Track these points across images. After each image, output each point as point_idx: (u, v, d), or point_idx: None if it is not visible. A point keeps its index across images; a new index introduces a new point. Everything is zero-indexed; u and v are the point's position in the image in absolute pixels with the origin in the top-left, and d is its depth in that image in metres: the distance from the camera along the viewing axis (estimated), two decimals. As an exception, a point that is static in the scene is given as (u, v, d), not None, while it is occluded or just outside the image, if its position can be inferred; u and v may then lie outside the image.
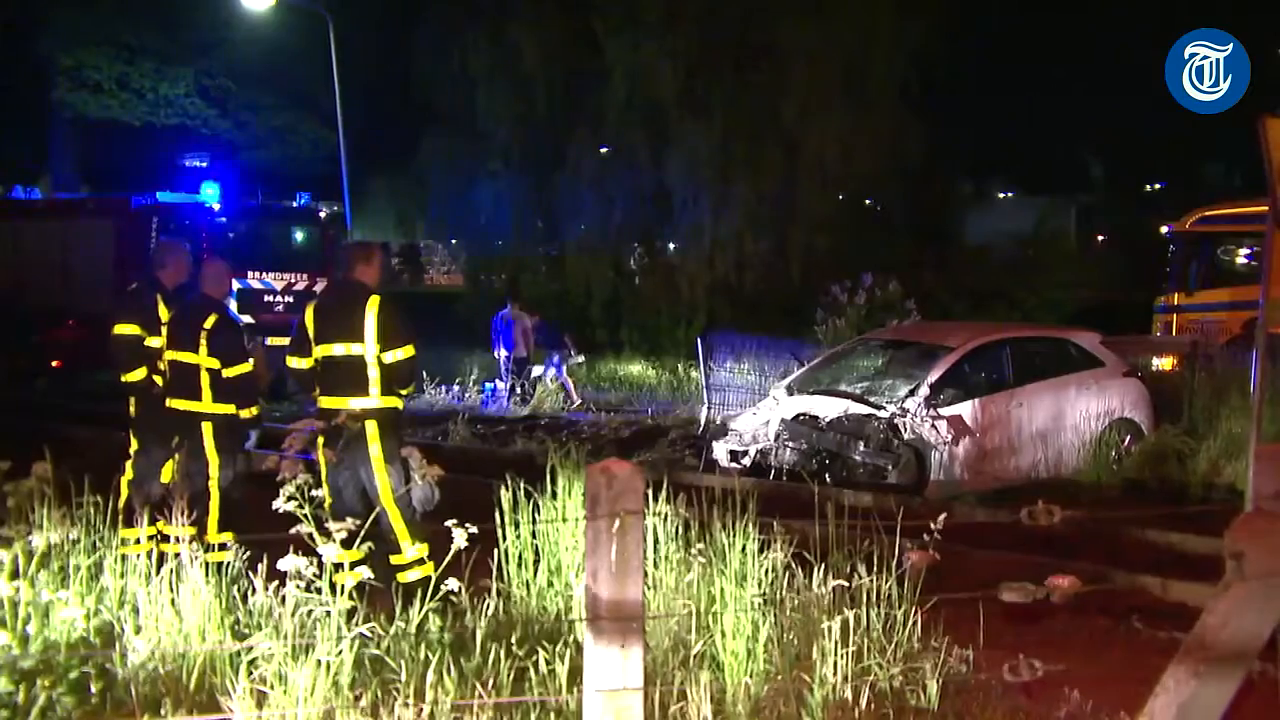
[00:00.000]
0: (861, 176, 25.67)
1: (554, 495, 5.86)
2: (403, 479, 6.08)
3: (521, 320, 18.43)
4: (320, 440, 6.09)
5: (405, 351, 6.13)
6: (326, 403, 6.17)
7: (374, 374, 6.08)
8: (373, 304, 6.12)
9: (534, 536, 5.49)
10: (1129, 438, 11.13)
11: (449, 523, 4.82)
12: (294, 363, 6.33)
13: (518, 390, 17.65)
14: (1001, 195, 48.62)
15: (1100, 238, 42.82)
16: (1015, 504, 6.06)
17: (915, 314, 19.93)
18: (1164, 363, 14.06)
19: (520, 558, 5.45)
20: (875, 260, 21.71)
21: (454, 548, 4.73)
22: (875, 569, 4.95)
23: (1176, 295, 17.37)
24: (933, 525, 4.96)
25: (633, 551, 3.57)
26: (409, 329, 6.25)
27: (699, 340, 15.37)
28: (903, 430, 9.87)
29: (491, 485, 5.84)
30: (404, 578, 5.86)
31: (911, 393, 10.21)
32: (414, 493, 6.10)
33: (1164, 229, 19.21)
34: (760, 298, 25.28)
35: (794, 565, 5.12)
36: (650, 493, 5.13)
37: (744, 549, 5.07)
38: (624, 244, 26.97)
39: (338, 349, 6.13)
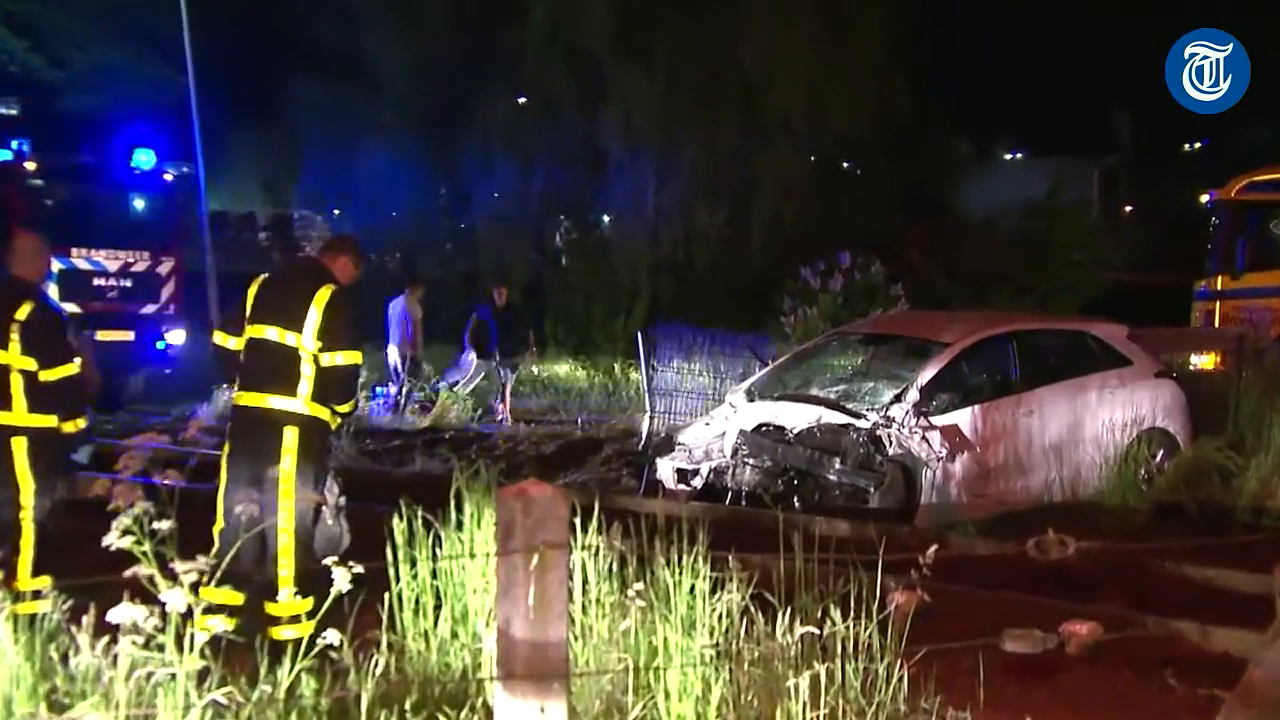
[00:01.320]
0: (837, 134, 25.91)
1: (459, 526, 5.83)
2: (311, 510, 6.13)
3: (415, 311, 18.33)
4: (225, 449, 6.17)
5: (347, 357, 6.23)
6: (242, 398, 6.25)
7: (307, 372, 6.18)
8: (324, 292, 6.22)
9: (434, 577, 5.46)
10: (1161, 452, 11.31)
11: (328, 560, 4.77)
12: (220, 339, 6.41)
13: (416, 396, 17.56)
14: (1008, 157, 49.31)
15: (1128, 208, 43.58)
16: (1023, 533, 6.15)
17: (903, 301, 20.17)
18: (1204, 360, 14.32)
19: (417, 603, 5.41)
20: (854, 236, 21.96)
21: (334, 591, 4.69)
22: (853, 613, 4.98)
23: (1220, 278, 17.65)
24: (922, 559, 5.01)
25: (555, 593, 3.56)
26: (357, 333, 6.34)
27: (639, 334, 15.39)
28: (887, 443, 9.96)
29: (383, 514, 5.79)
30: (277, 633, 5.85)
31: (898, 398, 10.30)
32: (320, 530, 6.12)
33: (1205, 198, 19.56)
34: (714, 281, 25.40)
35: (754, 609, 5.13)
36: (578, 521, 5.11)
37: (693, 590, 5.08)
38: (547, 216, 27.00)
39: (270, 332, 6.22)
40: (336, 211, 32.54)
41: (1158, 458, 11.23)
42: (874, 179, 28.98)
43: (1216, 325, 16.77)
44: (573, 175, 26.18)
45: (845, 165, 30.80)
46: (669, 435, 11.54)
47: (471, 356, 18.38)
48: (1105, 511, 10.34)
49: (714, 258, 25.71)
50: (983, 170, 40.17)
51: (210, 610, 4.80)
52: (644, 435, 13.75)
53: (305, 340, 6.17)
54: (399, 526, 5.53)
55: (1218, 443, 11.06)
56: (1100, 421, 10.94)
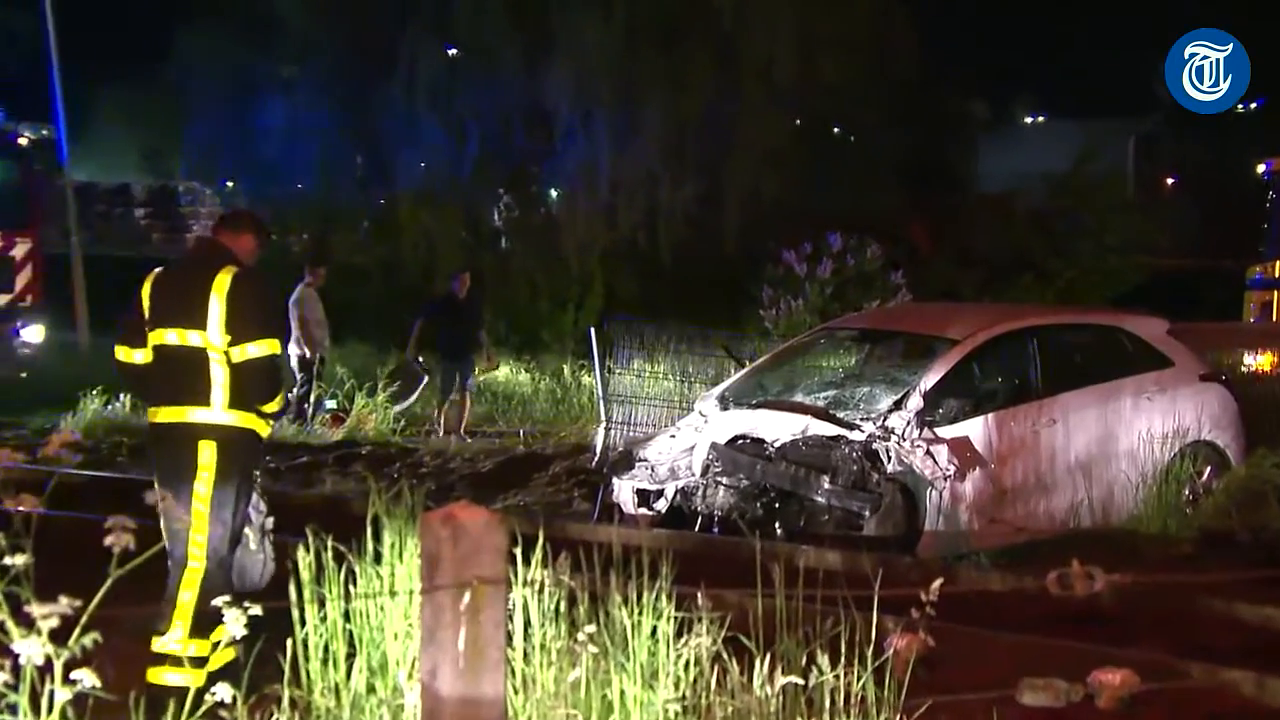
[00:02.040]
0: (828, 92, 25.99)
1: (377, 558, 5.81)
2: (229, 537, 6.22)
3: (317, 304, 18.21)
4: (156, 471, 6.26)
5: (260, 346, 6.28)
6: (156, 414, 6.33)
7: (219, 375, 6.24)
8: (224, 275, 6.27)
9: (347, 619, 5.44)
10: (1209, 469, 11.41)
11: (218, 600, 4.75)
12: (123, 355, 6.48)
13: (326, 404, 17.49)
14: (1029, 120, 49.60)
15: (1169, 180, 43.86)
16: (1044, 565, 6.18)
17: (903, 292, 20.28)
18: (1260, 360, 14.44)
19: (327, 650, 5.39)
20: (847, 214, 22.04)
21: (226, 637, 4.67)
22: (844, 660, 5.00)
23: (1278, 263, 17.78)
24: (926, 596, 5.03)
25: (490, 638, 3.56)
26: (272, 317, 6.47)
27: (593, 331, 15.38)
28: (885, 459, 10.00)
29: (286, 544, 5.77)
30: (156, 675, 5.88)
31: (897, 405, 10.34)
32: (241, 558, 6.23)
33: (1261, 167, 19.73)
34: (682, 269, 25.45)
35: (727, 655, 5.15)
36: (518, 552, 5.11)
37: (655, 633, 5.09)
38: (484, 189, 26.96)
39: (170, 336, 6.29)
40: (229, 184, 32.41)
41: (1204, 476, 11.31)
42: (871, 146, 29.12)
43: (1274, 319, 16.91)
44: (513, 141, 26.17)
45: (837, 130, 30.91)
46: (628, 450, 11.54)
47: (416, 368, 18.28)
48: (1142, 540, 10.41)
49: (681, 240, 25.77)
50: (999, 136, 40.46)
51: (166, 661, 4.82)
52: (598, 450, 13.73)
53: (211, 337, 6.23)
54: (304, 559, 5.51)
55: (1276, 458, 11.14)
56: (1136, 433, 11.02)
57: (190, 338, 6.25)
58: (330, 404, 17.64)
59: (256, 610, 4.53)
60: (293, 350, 17.78)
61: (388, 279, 25.65)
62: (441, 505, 3.83)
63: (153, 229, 40.13)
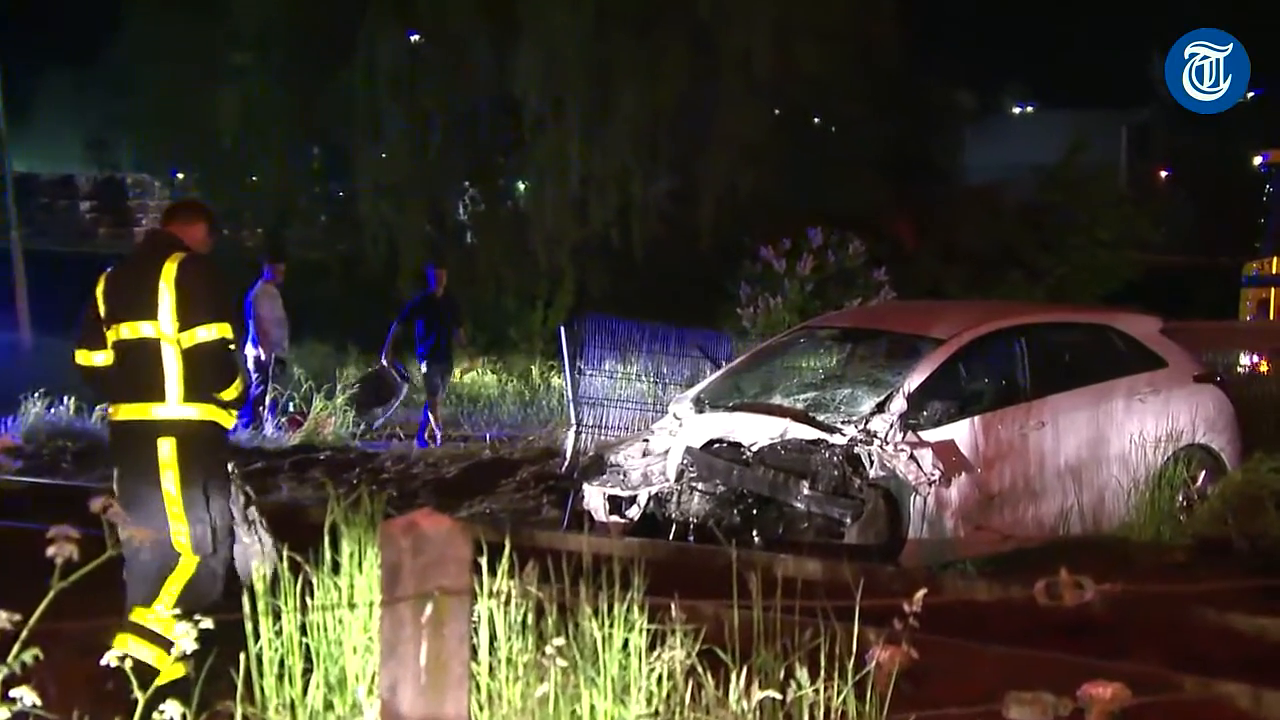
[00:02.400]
0: (808, 82, 26.04)
1: (335, 569, 5.80)
2: (210, 532, 6.31)
3: (279, 299, 18.14)
4: (116, 472, 6.35)
5: (211, 330, 6.35)
6: (117, 412, 6.42)
7: (173, 366, 6.32)
8: (170, 264, 6.34)
9: (304, 632, 5.42)
10: (1204, 474, 11.44)
11: (169, 612, 4.74)
12: (83, 359, 6.56)
13: (277, 406, 17.42)
14: (1017, 110, 49.75)
15: (1163, 173, 44.07)
16: (1032, 574, 6.20)
17: (887, 289, 20.32)
18: (1256, 360, 14.51)
19: (282, 665, 5.38)
20: (828, 208, 22.06)
21: (176, 650, 4.65)
22: (823, 673, 5.01)
23: (1276, 259, 17.88)
24: (909, 606, 5.04)
25: (453, 652, 3.55)
26: (223, 301, 6.50)
27: (563, 330, 15.38)
28: (867, 464, 10.01)
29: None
30: (123, 643, 5.98)
31: (880, 408, 10.36)
32: (238, 551, 6.34)
33: (1258, 159, 19.86)
34: (656, 265, 25.46)
35: (702, 669, 5.15)
36: (484, 561, 5.11)
37: (626, 646, 5.09)
38: (448, 182, 26.93)
39: (124, 330, 6.37)
40: (179, 175, 32.25)
41: (1199, 481, 11.35)
42: (853, 138, 29.15)
43: (1271, 317, 16.99)
44: (479, 132, 26.14)
45: (817, 121, 30.94)
46: (599, 454, 11.54)
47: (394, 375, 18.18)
48: (1134, 547, 10.45)
49: (656, 235, 25.78)
50: (986, 127, 40.54)
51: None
52: (568, 454, 13.72)
53: (163, 326, 6.30)
54: (259, 569, 5.49)
55: (1273, 462, 11.19)
56: (1128, 436, 11.07)
57: (143, 329, 6.32)
58: (287, 406, 17.59)
59: (207, 624, 4.51)
60: (249, 351, 17.71)
61: (347, 276, 25.61)
62: (403, 513, 3.81)
63: (99, 223, 39.95)
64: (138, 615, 6.14)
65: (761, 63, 25.13)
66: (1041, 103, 49.32)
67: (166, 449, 6.24)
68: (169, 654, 5.66)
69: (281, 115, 26.15)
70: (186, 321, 6.30)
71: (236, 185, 27.28)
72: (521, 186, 27.81)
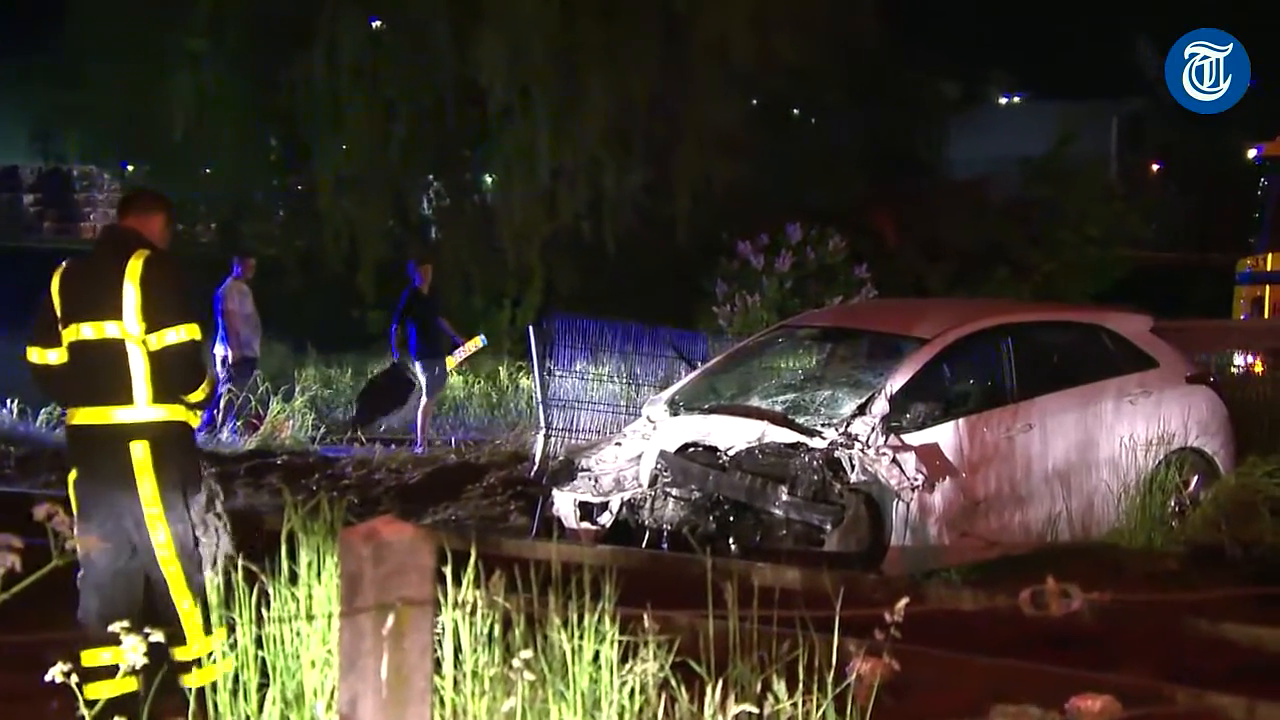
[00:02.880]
0: (786, 71, 26.04)
1: (293, 579, 5.79)
2: (191, 532, 6.35)
3: (249, 296, 18.09)
4: (71, 477, 6.36)
5: (180, 332, 6.38)
6: (76, 415, 6.41)
7: (139, 368, 6.34)
8: (136, 261, 6.36)
9: (260, 645, 5.41)
10: (1196, 478, 11.50)
11: (115, 626, 4.72)
12: (36, 356, 6.55)
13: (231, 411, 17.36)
14: (1004, 101, 49.91)
15: (1155, 166, 44.26)
16: (1019, 582, 6.22)
17: (868, 287, 20.38)
18: (1251, 361, 14.58)
19: (237, 679, 5.37)
20: (807, 203, 22.11)
21: (124, 664, 4.63)
22: (802, 686, 5.02)
23: (1270, 256, 17.96)
24: (891, 616, 5.05)
25: (415, 665, 3.55)
26: (190, 301, 6.53)
27: (531, 329, 15.39)
28: (848, 468, 10.03)
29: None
30: (194, 679, 5.97)
31: (861, 410, 10.37)
32: (210, 549, 6.37)
33: (1251, 152, 19.99)
34: (630, 261, 25.47)
35: (676, 681, 5.15)
36: (448, 570, 5.11)
37: (597, 658, 5.09)
38: (412, 175, 26.87)
39: (86, 330, 6.37)
40: (130, 168, 32.11)
41: (1191, 486, 11.41)
42: (833, 130, 29.23)
43: (1266, 316, 17.07)
44: (444, 123, 26.04)
45: (796, 112, 30.98)
46: (569, 459, 11.54)
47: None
48: (1124, 555, 10.50)
49: (628, 231, 25.76)
50: (971, 118, 40.64)
51: (90, 676, 5.03)
52: (537, 459, 13.73)
53: (129, 326, 6.32)
54: (212, 581, 5.48)
55: (1268, 466, 11.24)
56: (1118, 439, 11.10)
57: (107, 329, 6.33)
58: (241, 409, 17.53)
59: (158, 637, 4.50)
60: (217, 350, 17.67)
61: (306, 272, 25.52)
62: (364, 520, 3.81)
63: (44, 216, 39.79)
64: (183, 654, 6.14)
65: (738, 51, 25.10)
66: (1029, 93, 49.49)
67: (140, 452, 6.26)
68: (214, 665, 5.73)
69: (237, 105, 26.03)
70: (155, 322, 6.32)
71: (189, 178, 27.12)
72: (488, 180, 27.77)
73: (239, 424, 17.19)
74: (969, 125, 39.65)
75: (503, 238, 25.55)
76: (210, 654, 6.05)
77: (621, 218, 25.67)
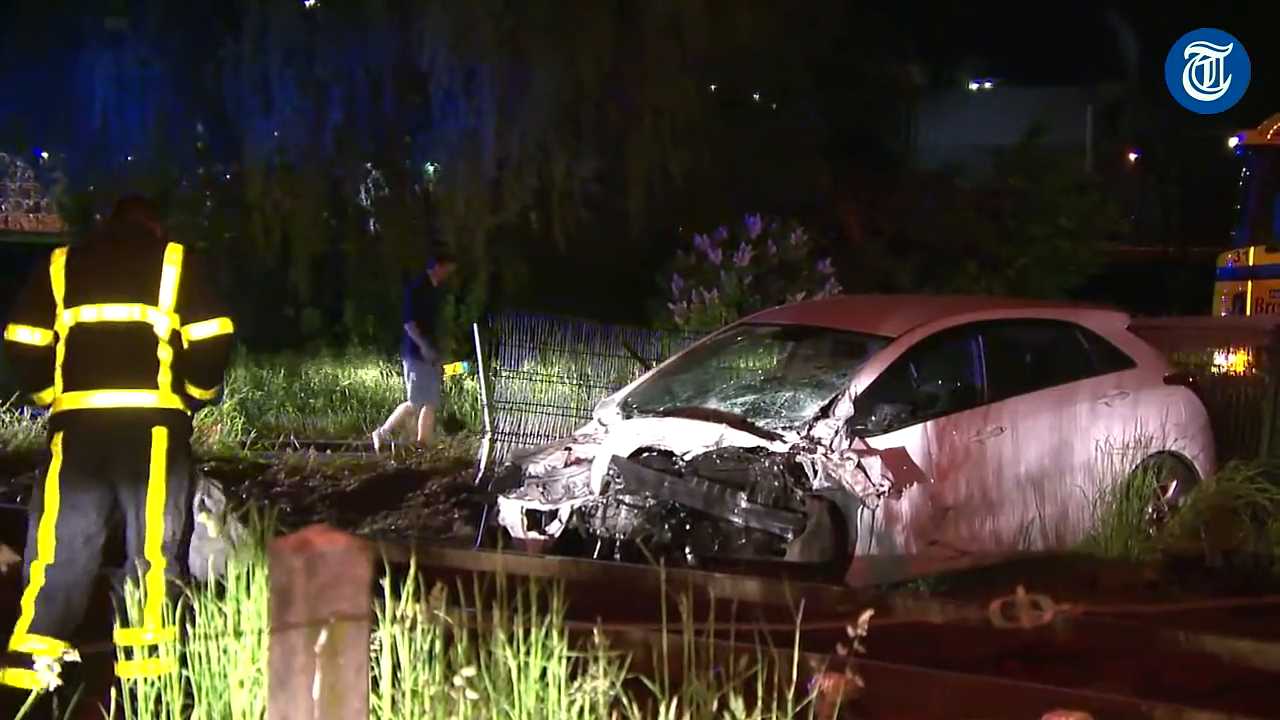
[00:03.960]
0: (745, 54, 26.07)
1: (221, 592, 5.77)
2: (180, 524, 6.53)
3: None
4: (58, 452, 6.46)
5: (222, 325, 6.72)
6: (81, 397, 6.52)
7: (165, 356, 6.57)
8: (175, 251, 6.67)
9: (184, 664, 5.39)
10: (1175, 483, 11.58)
11: (30, 645, 4.69)
12: (21, 334, 6.70)
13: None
14: (974, 87, 50.12)
15: (1133, 155, 44.54)
16: (989, 594, 6.24)
17: (833, 283, 20.42)
18: (1232, 360, 14.67)
19: (159, 700, 5.34)
20: (768, 194, 22.13)
21: (37, 687, 4.61)
22: (760, 704, 5.02)
23: (1252, 250, 18.05)
24: (854, 630, 5.06)
25: (351, 684, 3.54)
26: (222, 295, 6.93)
27: (476, 327, 15.35)
28: (811, 474, 10.05)
29: (109, 575, 5.71)
30: (129, 669, 6.00)
31: (825, 412, 10.40)
32: (204, 551, 6.58)
33: (1233, 141, 20.15)
34: (580, 255, 25.46)
35: (628, 700, 5.15)
36: (387, 583, 5.09)
37: (544, 675, 5.08)
38: (349, 162, 26.77)
39: (115, 311, 6.57)
40: (44, 155, 31.89)
41: (1169, 492, 11.48)
42: (795, 116, 29.26)
43: (1248, 313, 17.16)
44: (383, 108, 25.96)
45: (757, 98, 31.02)
46: (516, 465, 11.51)
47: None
48: (1100, 564, 10.55)
49: (579, 223, 25.74)
50: (940, 104, 40.82)
51: (15, 661, 5.18)
52: (482, 465, 13.71)
53: (161, 312, 6.58)
54: (133, 594, 5.45)
55: (1249, 470, 11.31)
56: (1093, 443, 11.16)
57: (142, 313, 6.57)
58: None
59: (74, 656, 4.48)
60: None
61: (236, 266, 25.38)
62: (296, 530, 3.79)
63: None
64: (130, 639, 6.18)
65: (694, 31, 25.10)
66: (1001, 79, 49.66)
67: (160, 439, 6.47)
68: (170, 657, 5.75)
69: (160, 89, 25.88)
70: (195, 313, 6.64)
71: (109, 166, 26.91)
72: (430, 169, 27.69)
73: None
74: (938, 112, 39.89)
75: (446, 230, 25.47)
76: (172, 642, 6.02)
77: (572, 209, 25.63)
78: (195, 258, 6.79)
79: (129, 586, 6.30)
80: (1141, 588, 10.17)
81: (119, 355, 6.57)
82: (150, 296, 6.60)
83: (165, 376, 6.58)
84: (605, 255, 25.75)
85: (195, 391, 6.79)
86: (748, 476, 9.97)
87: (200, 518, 6.68)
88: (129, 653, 6.20)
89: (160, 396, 6.56)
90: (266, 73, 25.15)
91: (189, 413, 6.85)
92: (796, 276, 20.28)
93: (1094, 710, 4.88)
